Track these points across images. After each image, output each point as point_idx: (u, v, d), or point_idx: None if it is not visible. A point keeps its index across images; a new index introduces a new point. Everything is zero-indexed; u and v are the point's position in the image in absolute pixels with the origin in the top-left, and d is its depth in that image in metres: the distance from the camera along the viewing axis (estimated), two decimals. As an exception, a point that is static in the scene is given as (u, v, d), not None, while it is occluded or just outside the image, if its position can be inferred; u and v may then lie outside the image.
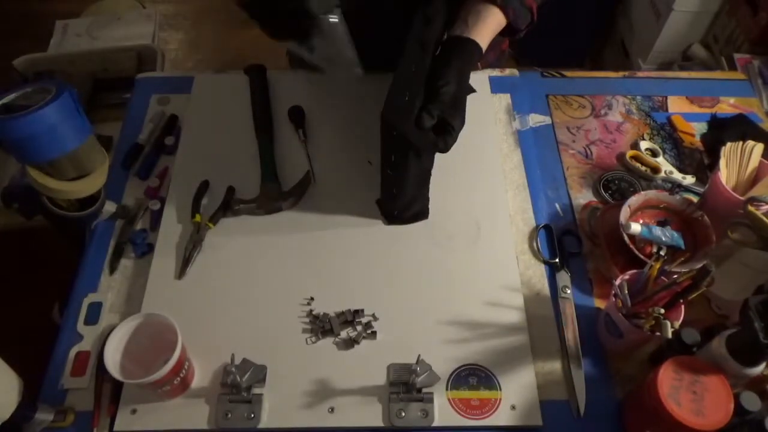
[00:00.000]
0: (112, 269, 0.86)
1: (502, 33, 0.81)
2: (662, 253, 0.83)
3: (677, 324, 0.71)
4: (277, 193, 0.92)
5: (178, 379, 0.71)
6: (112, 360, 0.69)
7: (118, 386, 0.75)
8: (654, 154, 1.00)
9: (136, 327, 0.72)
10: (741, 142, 0.88)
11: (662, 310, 0.70)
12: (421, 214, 0.90)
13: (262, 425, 0.72)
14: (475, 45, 0.76)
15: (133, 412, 0.73)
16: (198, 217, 0.88)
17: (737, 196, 0.82)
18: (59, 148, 0.71)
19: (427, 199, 0.89)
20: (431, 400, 0.73)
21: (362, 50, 0.88)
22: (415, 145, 0.73)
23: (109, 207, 0.86)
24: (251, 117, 1.01)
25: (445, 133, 0.71)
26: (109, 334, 0.70)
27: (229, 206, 0.90)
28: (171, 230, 0.88)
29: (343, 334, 0.79)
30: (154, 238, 0.88)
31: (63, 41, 1.96)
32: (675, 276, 0.71)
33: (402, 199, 0.85)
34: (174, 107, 1.05)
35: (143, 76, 1.14)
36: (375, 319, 0.80)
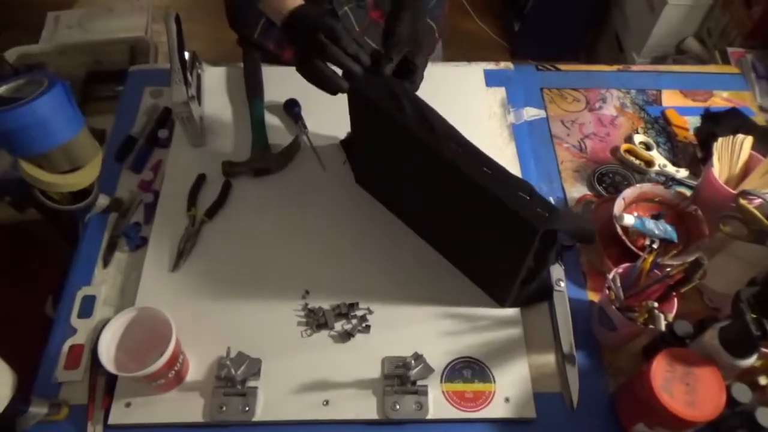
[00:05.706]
0: (106, 262, 0.86)
1: None
2: (655, 246, 0.83)
3: (670, 316, 0.71)
4: (266, 155, 0.94)
5: (173, 372, 0.71)
6: (107, 353, 0.68)
7: (112, 380, 0.74)
8: (648, 147, 1.00)
9: (131, 320, 0.71)
10: (732, 137, 0.88)
11: (656, 303, 0.70)
12: None
13: (256, 418, 0.72)
14: None
15: (128, 405, 0.73)
16: (193, 211, 0.88)
17: (730, 190, 0.83)
18: (51, 141, 0.70)
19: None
20: (426, 393, 0.74)
21: None
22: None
23: (103, 200, 0.85)
24: (245, 99, 1.00)
25: (411, 72, 0.72)
26: (103, 327, 0.70)
27: (226, 197, 0.90)
28: (165, 223, 0.88)
29: (338, 327, 0.79)
30: (147, 231, 0.88)
31: (55, 33, 1.94)
32: (668, 269, 0.71)
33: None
34: (167, 100, 1.04)
35: (136, 68, 1.13)
36: (370, 312, 0.80)
